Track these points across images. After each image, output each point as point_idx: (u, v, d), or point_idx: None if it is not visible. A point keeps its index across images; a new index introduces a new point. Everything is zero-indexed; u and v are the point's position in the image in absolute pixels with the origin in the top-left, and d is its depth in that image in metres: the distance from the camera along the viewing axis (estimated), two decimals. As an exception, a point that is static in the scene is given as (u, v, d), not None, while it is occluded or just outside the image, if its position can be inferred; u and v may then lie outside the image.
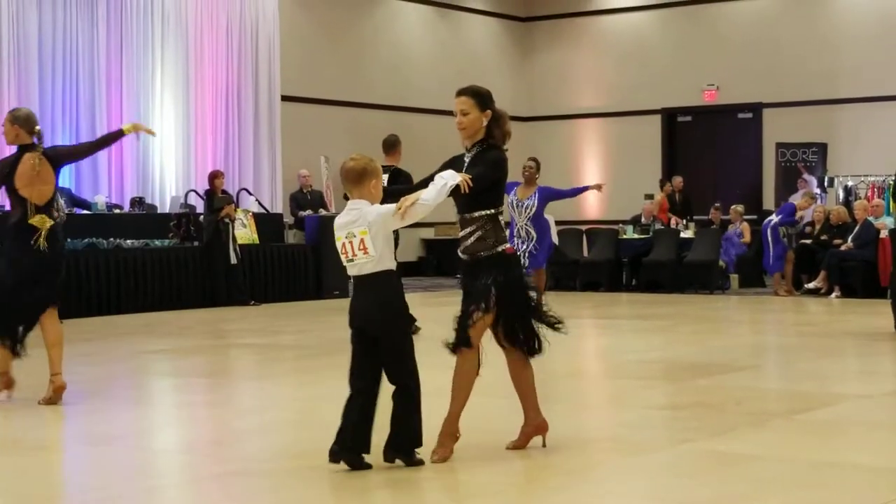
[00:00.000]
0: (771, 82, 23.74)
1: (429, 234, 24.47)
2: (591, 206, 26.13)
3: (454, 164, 6.51)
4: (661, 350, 11.83)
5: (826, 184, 22.37)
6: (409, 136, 23.74)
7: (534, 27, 26.83)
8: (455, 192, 6.19)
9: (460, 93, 6.56)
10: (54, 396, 8.40)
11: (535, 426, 6.64)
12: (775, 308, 16.75)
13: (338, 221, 6.20)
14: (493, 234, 6.37)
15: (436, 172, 6.46)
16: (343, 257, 6.16)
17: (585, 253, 20.71)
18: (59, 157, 8.77)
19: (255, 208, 19.25)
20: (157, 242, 16.92)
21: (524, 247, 14.25)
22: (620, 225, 20.89)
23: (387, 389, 6.19)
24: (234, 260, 17.31)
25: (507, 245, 6.43)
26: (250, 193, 19.74)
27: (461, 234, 6.40)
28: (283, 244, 18.83)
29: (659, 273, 19.36)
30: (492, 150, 6.45)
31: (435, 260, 24.29)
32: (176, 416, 8.35)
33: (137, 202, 18.14)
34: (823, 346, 11.93)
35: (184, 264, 16.99)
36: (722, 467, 6.27)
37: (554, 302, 18.69)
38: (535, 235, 14.21)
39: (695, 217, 21.67)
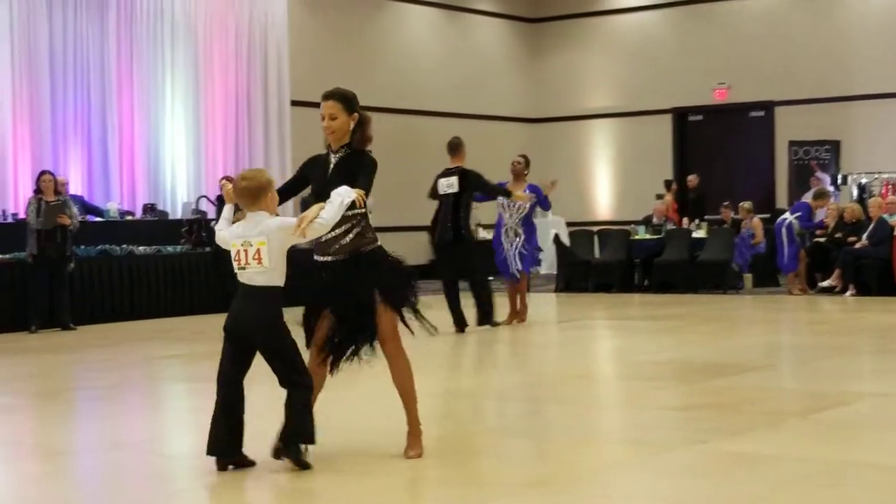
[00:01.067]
0: (783, 80, 23.68)
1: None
2: (603, 207, 26.11)
3: (317, 164, 6.59)
4: (675, 351, 11.79)
5: (839, 181, 22.32)
6: (417, 138, 23.83)
7: (542, 28, 26.80)
8: (317, 199, 6.30)
9: (327, 97, 6.57)
10: None
11: None
12: (789, 307, 16.70)
13: (234, 230, 6.28)
14: (370, 230, 6.50)
15: (296, 175, 6.71)
16: (235, 264, 6.23)
17: (597, 254, 20.67)
18: None
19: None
20: (170, 248, 16.95)
21: (511, 248, 14.19)
22: (632, 226, 20.84)
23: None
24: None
25: (378, 241, 6.53)
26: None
27: (331, 234, 6.38)
28: (294, 248, 18.80)
29: (671, 273, 19.30)
30: (362, 155, 6.54)
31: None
32: (190, 422, 8.34)
33: (149, 209, 18.16)
34: (839, 344, 11.88)
35: (196, 270, 17.01)
36: (738, 468, 6.24)
37: (566, 303, 18.85)
38: (522, 236, 14.16)
39: (707, 217, 21.61)
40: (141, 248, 16.64)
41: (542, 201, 14.57)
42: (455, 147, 13.44)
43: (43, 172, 15.27)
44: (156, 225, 17.72)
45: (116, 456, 7.07)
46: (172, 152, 19.73)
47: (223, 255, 18.04)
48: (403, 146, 23.70)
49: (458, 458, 6.55)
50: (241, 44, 20.81)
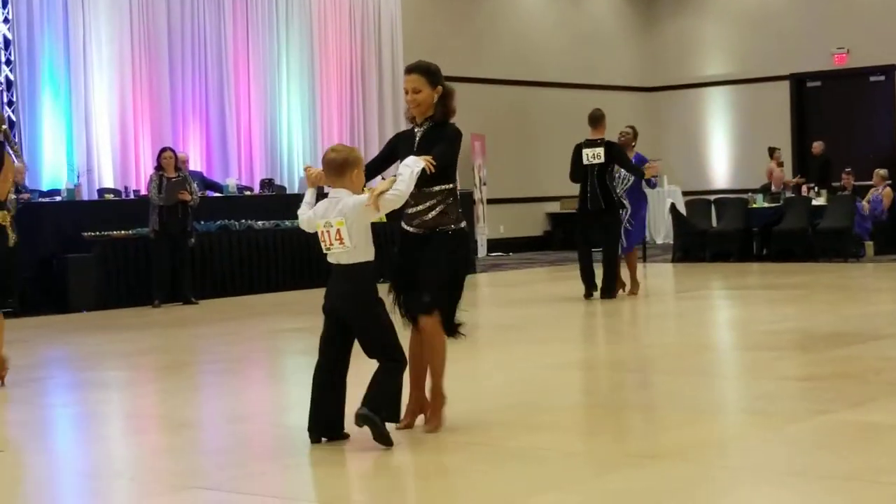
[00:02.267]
0: (904, 43, 23.17)
1: (554, 207, 24.40)
2: (719, 176, 25.82)
3: (404, 140, 6.56)
4: (796, 320, 11.64)
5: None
6: (532, 109, 23.79)
7: (657, -4, 26.52)
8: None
9: (410, 70, 6.54)
10: None
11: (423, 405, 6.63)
12: (913, 275, 16.38)
13: (316, 209, 6.28)
14: (454, 209, 6.44)
15: (384, 151, 6.71)
16: (322, 245, 6.23)
17: (714, 223, 20.45)
18: None
19: (385, 186, 19.34)
20: (287, 223, 17.12)
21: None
22: (750, 194, 20.57)
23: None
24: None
25: (464, 222, 6.47)
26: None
27: (417, 208, 6.39)
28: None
29: (791, 242, 19.04)
30: (446, 126, 6.48)
31: (561, 234, 24.23)
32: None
33: (267, 184, 18.37)
34: (964, 312, 11.62)
35: (314, 244, 17.03)
36: (863, 439, 6.15)
37: (683, 273, 18.71)
38: (629, 208, 14.05)
39: (833, 183, 21.22)
40: (259, 222, 16.87)
41: (649, 180, 14.47)
42: (597, 119, 13.68)
43: (164, 149, 15.54)
44: (274, 199, 17.92)
45: (240, 428, 7.20)
46: (289, 127, 19.96)
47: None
48: (517, 118, 23.68)
49: (576, 430, 6.55)
50: (355, 18, 20.94)
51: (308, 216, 6.36)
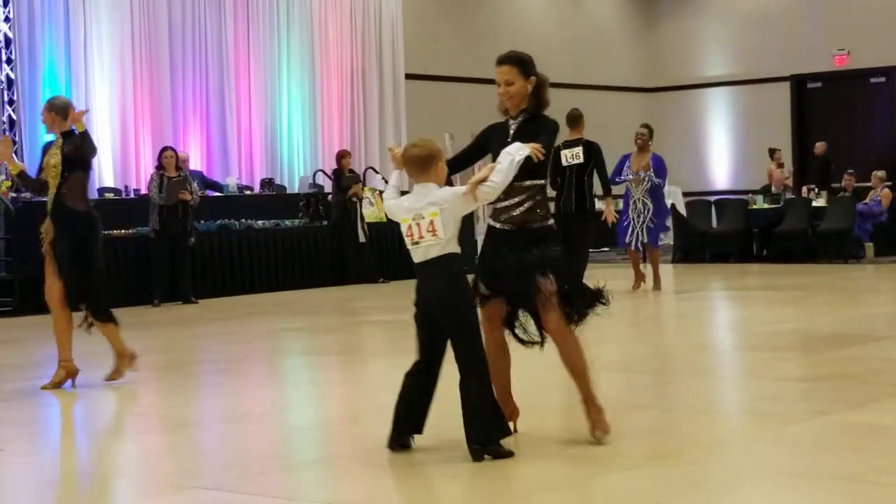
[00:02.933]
0: (905, 45, 23.16)
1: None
2: (720, 177, 25.82)
3: (497, 132, 6.29)
4: (796, 321, 11.64)
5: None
6: (533, 110, 23.74)
7: (658, -4, 26.53)
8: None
9: (503, 61, 6.29)
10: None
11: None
12: (913, 276, 16.38)
13: (403, 203, 6.04)
14: (544, 204, 6.22)
15: (473, 144, 6.38)
16: (408, 240, 5.99)
17: (714, 224, 20.46)
18: None
19: (383, 187, 19.33)
20: (287, 222, 17.15)
21: (640, 220, 14.10)
22: (750, 195, 20.57)
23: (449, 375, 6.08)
24: (362, 238, 17.46)
25: (552, 220, 6.27)
26: (377, 172, 19.86)
27: (505, 203, 6.13)
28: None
29: (791, 243, 19.04)
30: (543, 118, 6.25)
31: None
32: (310, 394, 8.45)
33: (267, 183, 18.38)
34: (965, 314, 11.62)
35: (313, 243, 17.21)
36: (863, 440, 6.15)
37: (683, 274, 18.67)
38: (651, 208, 14.04)
39: (833, 185, 21.23)
40: (259, 222, 16.87)
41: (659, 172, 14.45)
42: (576, 119, 13.38)
43: (165, 148, 15.54)
44: (274, 199, 17.93)
45: (241, 428, 7.19)
46: (289, 127, 19.96)
47: (344, 228, 18.26)
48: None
49: (575, 431, 6.53)
50: (356, 18, 20.94)
51: (391, 205, 6.12)
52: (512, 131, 6.23)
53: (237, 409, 7.85)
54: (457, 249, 6.02)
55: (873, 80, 24.04)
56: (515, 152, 5.92)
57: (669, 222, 16.49)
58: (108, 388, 8.91)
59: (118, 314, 9.04)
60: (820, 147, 22.86)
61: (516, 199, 6.14)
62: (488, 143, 6.31)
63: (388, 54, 21.38)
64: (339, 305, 14.70)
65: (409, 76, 21.53)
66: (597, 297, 6.31)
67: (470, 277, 6.19)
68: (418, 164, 6.06)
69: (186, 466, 6.19)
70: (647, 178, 14.07)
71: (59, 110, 8.73)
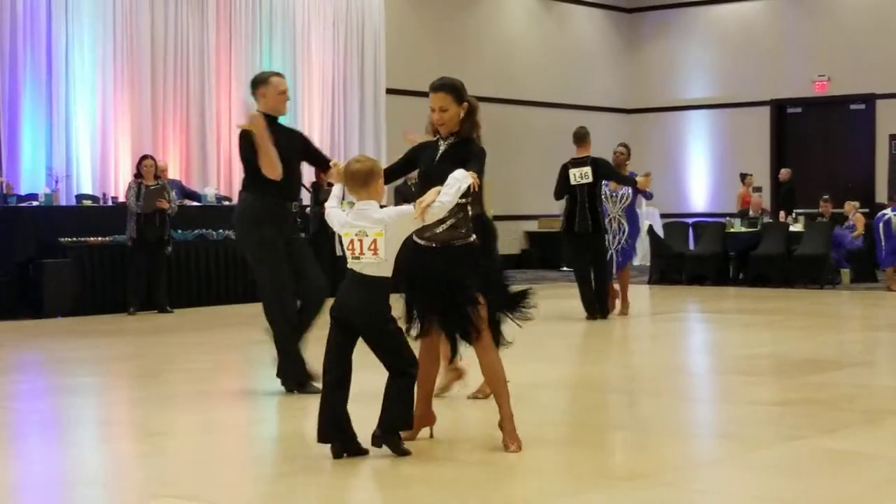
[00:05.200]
0: (884, 72, 23.31)
1: (532, 226, 24.44)
2: (698, 199, 25.90)
3: (426, 152, 6.57)
4: (770, 345, 11.68)
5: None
6: (514, 128, 23.82)
7: (640, 18, 26.64)
8: (424, 182, 6.34)
9: (437, 88, 6.52)
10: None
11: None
12: (888, 303, 16.43)
13: (344, 218, 6.22)
14: (465, 223, 6.41)
15: (405, 157, 6.69)
16: (349, 253, 6.18)
17: (691, 246, 20.51)
18: None
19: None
20: (266, 234, 17.10)
21: (615, 240, 14.16)
22: (728, 218, 20.64)
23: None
24: (339, 251, 17.44)
25: (475, 236, 6.46)
26: (356, 185, 19.85)
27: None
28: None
29: (767, 267, 19.09)
30: (471, 143, 6.51)
31: (539, 252, 24.25)
32: (286, 406, 8.42)
33: (246, 194, 18.30)
34: (938, 342, 11.67)
35: (291, 255, 17.15)
36: (834, 466, 6.17)
37: (659, 296, 18.69)
38: (626, 228, 14.11)
39: (803, 210, 21.34)
40: (238, 232, 16.82)
41: (644, 192, 14.53)
42: (582, 137, 13.70)
43: (145, 157, 15.51)
44: (252, 210, 17.86)
45: (213, 438, 7.17)
46: (270, 139, 19.91)
47: (321, 242, 18.17)
48: (498, 136, 23.68)
49: (552, 449, 6.55)
50: (339, 31, 20.96)
51: (334, 216, 6.31)
52: (440, 152, 6.50)
53: (211, 418, 7.83)
54: (388, 273, 6.20)
55: (853, 106, 24.18)
56: (462, 179, 6.10)
57: (644, 244, 16.55)
58: (80, 395, 8.88)
59: (92, 322, 9.00)
60: (784, 173, 23.02)
61: (446, 222, 6.34)
62: (417, 161, 6.65)
63: (369, 68, 21.40)
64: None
65: (389, 90, 21.56)
66: (520, 300, 6.58)
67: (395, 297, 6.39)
68: (360, 179, 6.24)
69: (158, 475, 6.18)
70: (625, 196, 14.13)
71: None
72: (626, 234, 14.10)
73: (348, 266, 6.23)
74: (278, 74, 8.86)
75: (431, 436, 6.64)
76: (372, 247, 6.10)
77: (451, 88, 6.52)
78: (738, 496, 5.58)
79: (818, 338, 12.23)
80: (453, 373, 8.12)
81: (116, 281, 15.27)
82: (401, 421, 6.22)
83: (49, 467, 6.55)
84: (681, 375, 9.94)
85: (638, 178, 13.88)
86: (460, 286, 6.31)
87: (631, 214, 14.29)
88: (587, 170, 13.38)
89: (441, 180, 6.16)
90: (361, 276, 6.17)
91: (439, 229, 6.37)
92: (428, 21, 22.82)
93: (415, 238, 6.42)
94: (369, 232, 6.10)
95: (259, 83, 8.66)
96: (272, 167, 8.22)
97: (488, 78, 23.41)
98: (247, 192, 8.53)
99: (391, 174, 6.69)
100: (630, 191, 14.29)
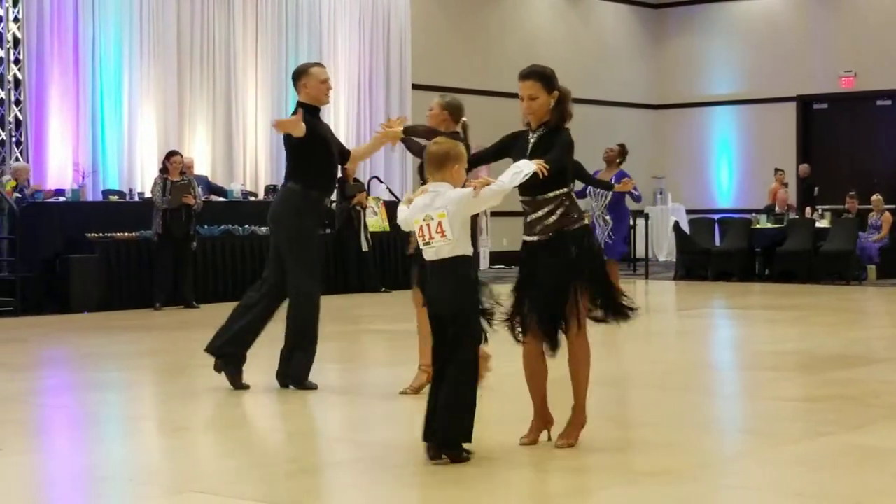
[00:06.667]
0: (911, 68, 23.17)
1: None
2: (724, 195, 25.82)
3: (518, 141, 6.41)
4: (797, 341, 11.63)
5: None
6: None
7: (665, 14, 26.55)
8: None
9: (526, 76, 6.37)
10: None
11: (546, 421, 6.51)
12: (915, 300, 16.36)
13: (416, 203, 6.09)
14: (575, 208, 6.31)
15: (495, 146, 6.48)
16: (420, 240, 6.07)
17: (717, 242, 20.46)
18: None
19: (387, 196, 19.36)
20: (291, 229, 17.11)
21: (602, 235, 14.12)
22: (754, 214, 20.57)
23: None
24: (365, 247, 17.48)
25: (586, 220, 6.41)
26: (381, 181, 19.86)
27: (536, 215, 6.25)
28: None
29: (793, 263, 19.02)
30: (561, 133, 6.34)
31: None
32: (310, 401, 8.44)
33: (272, 190, 18.37)
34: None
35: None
36: (861, 461, 6.15)
37: (685, 291, 18.63)
38: (611, 223, 14.05)
39: (829, 206, 21.25)
40: (263, 228, 16.82)
41: (630, 193, 14.48)
42: None
43: (173, 153, 15.54)
44: (278, 206, 17.90)
45: (239, 434, 7.19)
46: (295, 135, 19.94)
47: (347, 237, 18.15)
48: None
49: (579, 445, 6.54)
50: (364, 28, 20.97)
51: (406, 213, 6.14)
52: (532, 143, 6.33)
53: (236, 413, 7.86)
54: (467, 251, 6.07)
55: (879, 102, 24.05)
56: (524, 167, 6.00)
57: (668, 241, 16.45)
58: (107, 390, 8.92)
59: (118, 317, 9.03)
60: (804, 169, 22.94)
61: (546, 209, 6.24)
62: (509, 150, 6.46)
63: (395, 64, 21.41)
64: (340, 314, 14.68)
65: (415, 86, 21.56)
66: (623, 307, 6.42)
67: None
68: (434, 161, 6.13)
69: (184, 470, 6.20)
70: (607, 195, 14.06)
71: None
72: (609, 228, 14.05)
73: (426, 259, 6.11)
74: (319, 64, 8.84)
75: (549, 438, 6.39)
76: (439, 229, 5.97)
77: (540, 76, 6.37)
78: (766, 491, 5.57)
79: (844, 334, 12.18)
80: (427, 375, 8.12)
81: (142, 276, 15.30)
82: (465, 433, 5.93)
83: (75, 462, 6.58)
84: (707, 371, 9.92)
85: (616, 186, 13.72)
86: (566, 271, 6.19)
87: (618, 211, 14.19)
88: None
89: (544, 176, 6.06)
90: (441, 263, 6.02)
91: (550, 220, 6.24)
92: (453, 16, 22.80)
93: (524, 237, 6.31)
94: (434, 215, 5.99)
95: (300, 74, 8.64)
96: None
97: (513, 73, 23.16)
98: (291, 181, 8.51)
99: (479, 161, 6.49)
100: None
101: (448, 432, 5.94)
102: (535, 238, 6.31)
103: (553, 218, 6.25)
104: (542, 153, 6.17)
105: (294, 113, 8.58)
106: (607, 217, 14.03)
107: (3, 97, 16.67)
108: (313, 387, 8.46)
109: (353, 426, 7.53)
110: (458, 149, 6.15)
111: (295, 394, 8.54)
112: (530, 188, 6.19)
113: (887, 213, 19.77)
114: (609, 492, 5.58)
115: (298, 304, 8.49)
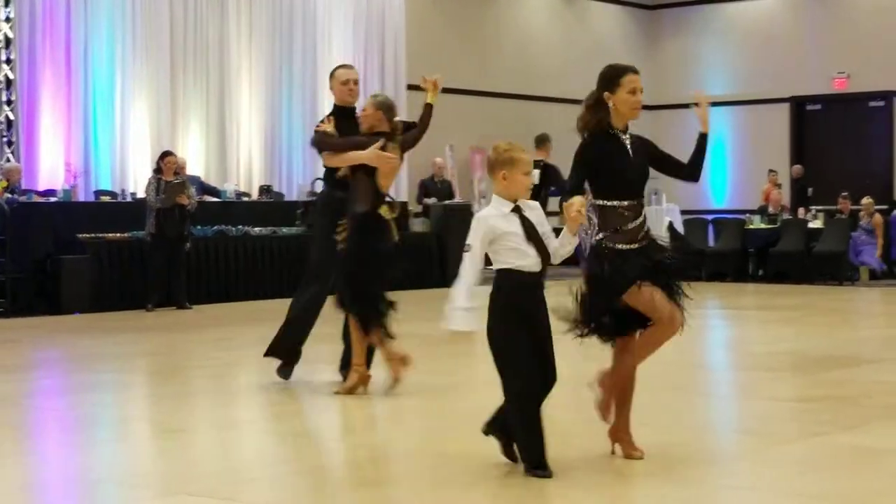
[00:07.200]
0: (904, 69, 23.19)
1: (553, 223, 24.28)
2: (717, 196, 25.83)
3: (605, 147, 6.25)
4: (791, 342, 11.63)
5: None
6: (533, 124, 23.72)
7: (660, 15, 26.57)
8: (618, 177, 6.17)
9: (637, 70, 6.37)
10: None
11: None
12: (908, 300, 16.39)
13: (497, 225, 5.97)
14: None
15: (581, 169, 6.33)
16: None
17: (711, 242, 20.47)
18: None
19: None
20: (285, 230, 17.11)
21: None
22: (747, 215, 20.58)
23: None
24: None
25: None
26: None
27: (636, 223, 6.16)
28: (409, 232, 18.84)
29: (786, 263, 19.04)
30: (643, 136, 6.31)
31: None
32: (304, 402, 8.42)
33: (265, 190, 18.36)
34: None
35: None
36: (856, 461, 6.14)
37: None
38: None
39: (822, 207, 21.26)
40: (256, 228, 16.84)
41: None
42: (542, 141, 13.96)
43: (167, 153, 15.52)
44: (271, 206, 17.90)
45: (233, 435, 7.17)
46: (289, 134, 19.92)
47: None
48: (518, 132, 23.64)
49: (577, 446, 6.52)
50: (359, 27, 20.94)
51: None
52: (629, 147, 6.35)
53: (230, 415, 7.83)
54: (502, 265, 6.01)
55: (872, 103, 24.07)
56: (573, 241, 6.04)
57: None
58: (99, 392, 8.89)
59: (110, 318, 9.01)
60: (796, 170, 22.96)
61: (642, 217, 6.22)
62: (597, 160, 6.30)
63: (390, 64, 21.38)
64: (334, 314, 14.65)
65: (410, 87, 21.53)
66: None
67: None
68: (486, 166, 5.99)
69: (177, 472, 6.17)
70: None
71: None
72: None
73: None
74: (344, 66, 9.01)
75: (613, 452, 6.23)
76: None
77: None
78: (766, 492, 5.55)
79: (838, 334, 12.19)
80: (361, 376, 8.14)
81: (135, 277, 15.27)
82: (534, 453, 5.73)
83: (68, 464, 6.55)
84: (702, 371, 9.91)
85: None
86: (672, 268, 6.29)
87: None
88: (536, 172, 13.50)
89: (641, 178, 6.15)
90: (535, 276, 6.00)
91: (646, 227, 6.22)
92: (449, 16, 22.78)
93: (619, 246, 6.17)
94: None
95: (329, 78, 8.82)
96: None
97: (508, 74, 23.37)
98: (325, 183, 8.91)
99: (577, 188, 6.29)
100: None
101: (527, 458, 5.81)
102: (635, 246, 6.18)
103: (647, 226, 6.22)
104: (642, 155, 6.30)
105: (329, 116, 8.70)
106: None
107: (-5, 97, 16.65)
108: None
109: (348, 427, 7.51)
110: (506, 154, 5.84)
111: (289, 395, 8.52)
112: (636, 192, 6.14)
113: (878, 216, 19.77)
114: (608, 492, 5.56)
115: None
